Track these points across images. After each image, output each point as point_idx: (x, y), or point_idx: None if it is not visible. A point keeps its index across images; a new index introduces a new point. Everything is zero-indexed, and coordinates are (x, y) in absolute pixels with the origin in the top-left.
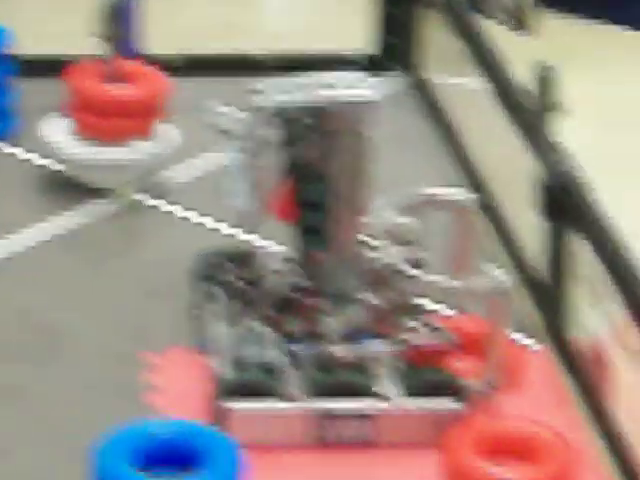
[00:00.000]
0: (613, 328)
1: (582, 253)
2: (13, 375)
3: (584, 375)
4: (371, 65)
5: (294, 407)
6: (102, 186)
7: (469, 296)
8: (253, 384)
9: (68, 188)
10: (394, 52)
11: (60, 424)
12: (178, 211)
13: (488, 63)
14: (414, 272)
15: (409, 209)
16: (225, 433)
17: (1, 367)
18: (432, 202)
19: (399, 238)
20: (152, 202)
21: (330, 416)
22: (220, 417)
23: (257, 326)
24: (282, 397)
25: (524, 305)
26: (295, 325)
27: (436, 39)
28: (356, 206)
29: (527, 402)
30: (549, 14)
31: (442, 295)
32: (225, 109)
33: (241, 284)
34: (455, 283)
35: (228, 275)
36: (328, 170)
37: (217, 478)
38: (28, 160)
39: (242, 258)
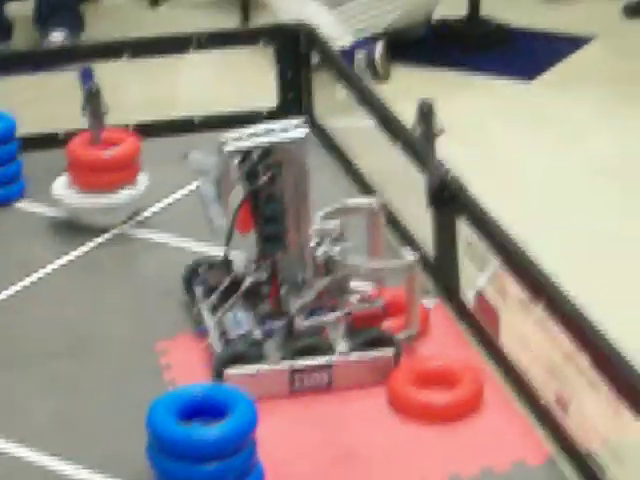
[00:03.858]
0: (496, 284)
1: (464, 232)
2: (65, 369)
3: (476, 322)
4: (274, 116)
5: (272, 368)
6: (100, 225)
7: (387, 272)
8: (241, 354)
9: (74, 231)
10: (292, 105)
11: (107, 400)
12: (160, 237)
13: (374, 104)
14: (346, 260)
15: (333, 215)
16: (241, 390)
17: (55, 363)
18: (349, 209)
19: (329, 236)
20: (139, 232)
21: (299, 371)
22: (220, 381)
23: (238, 312)
24: (263, 361)
25: (424, 275)
26: (265, 308)
27: (326, 91)
28: (302, 217)
29: (436, 345)
30: (398, 65)
31: (368, 274)
32: (201, 155)
33: (223, 284)
34: (376, 264)
35: (211, 278)
36: (280, 193)
37: (241, 422)
38: (41, 212)
39: (218, 265)
